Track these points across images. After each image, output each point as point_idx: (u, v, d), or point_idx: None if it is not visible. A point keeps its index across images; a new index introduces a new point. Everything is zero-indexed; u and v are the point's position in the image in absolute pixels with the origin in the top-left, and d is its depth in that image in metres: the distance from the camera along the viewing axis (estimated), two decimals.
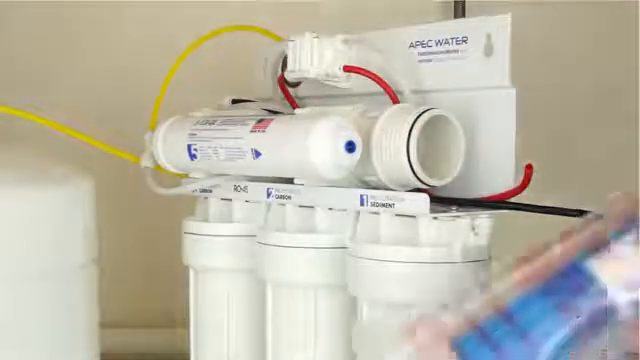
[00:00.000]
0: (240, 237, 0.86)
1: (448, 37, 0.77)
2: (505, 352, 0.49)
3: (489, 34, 0.73)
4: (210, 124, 0.84)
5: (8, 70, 1.15)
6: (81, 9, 1.18)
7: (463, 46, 0.76)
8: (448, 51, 0.77)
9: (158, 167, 0.92)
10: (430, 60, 0.79)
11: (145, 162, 0.92)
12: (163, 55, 0.94)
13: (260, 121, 0.78)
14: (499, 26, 0.73)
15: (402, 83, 0.79)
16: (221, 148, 0.81)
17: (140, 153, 0.93)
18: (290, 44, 0.83)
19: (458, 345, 0.50)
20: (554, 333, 0.50)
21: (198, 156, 0.85)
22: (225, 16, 1.08)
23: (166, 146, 0.89)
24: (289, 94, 0.91)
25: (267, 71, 0.95)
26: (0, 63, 1.15)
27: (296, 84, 0.91)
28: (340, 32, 0.83)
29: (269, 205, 0.84)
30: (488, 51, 0.74)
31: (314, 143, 0.72)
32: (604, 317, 0.50)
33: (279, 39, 0.96)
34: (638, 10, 0.83)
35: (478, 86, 0.75)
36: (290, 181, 0.79)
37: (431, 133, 0.73)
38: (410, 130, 0.71)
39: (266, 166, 0.78)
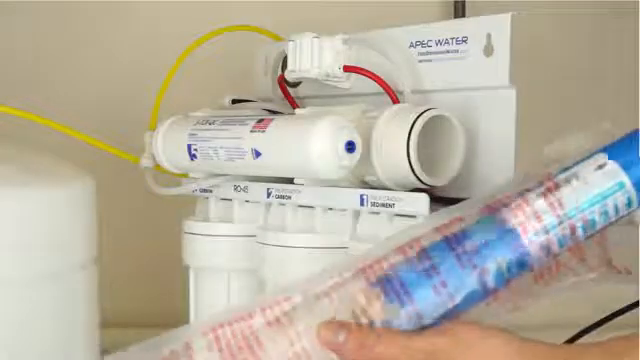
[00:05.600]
0: (240, 237, 0.86)
1: (448, 37, 0.77)
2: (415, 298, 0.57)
3: (489, 34, 0.73)
4: (210, 124, 0.84)
5: (8, 70, 1.15)
6: (81, 9, 1.18)
7: (463, 46, 0.76)
8: (448, 51, 0.77)
9: (158, 167, 0.92)
10: (430, 60, 0.79)
11: (145, 162, 0.92)
12: (163, 55, 0.95)
13: (260, 121, 0.78)
14: (499, 26, 0.73)
15: (402, 83, 0.79)
16: (221, 148, 0.81)
17: (140, 153, 0.93)
18: (290, 44, 0.83)
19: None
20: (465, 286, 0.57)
21: (198, 156, 0.85)
22: (225, 16, 1.08)
23: (166, 146, 0.89)
24: (289, 94, 0.91)
25: (267, 71, 0.95)
26: (0, 63, 1.15)
27: (296, 84, 0.91)
28: (340, 32, 0.83)
29: (269, 205, 0.84)
30: (488, 51, 0.74)
31: (314, 143, 0.72)
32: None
33: (279, 39, 0.96)
34: (638, 10, 0.83)
35: (478, 86, 0.75)
36: (290, 181, 0.79)
37: (431, 133, 0.73)
38: (410, 130, 0.71)
39: (266, 166, 0.78)
